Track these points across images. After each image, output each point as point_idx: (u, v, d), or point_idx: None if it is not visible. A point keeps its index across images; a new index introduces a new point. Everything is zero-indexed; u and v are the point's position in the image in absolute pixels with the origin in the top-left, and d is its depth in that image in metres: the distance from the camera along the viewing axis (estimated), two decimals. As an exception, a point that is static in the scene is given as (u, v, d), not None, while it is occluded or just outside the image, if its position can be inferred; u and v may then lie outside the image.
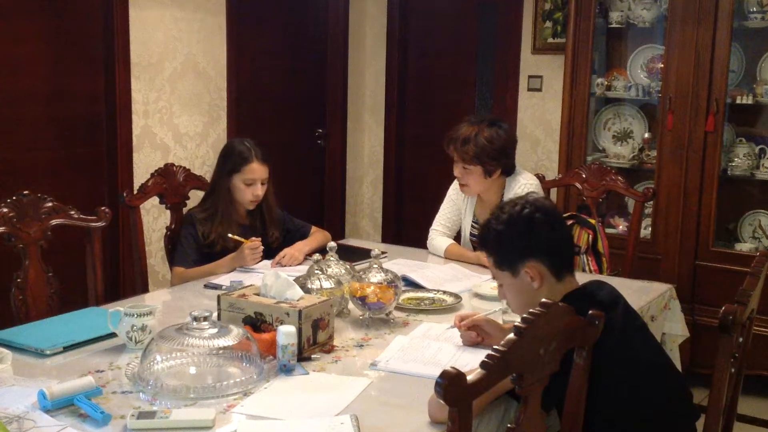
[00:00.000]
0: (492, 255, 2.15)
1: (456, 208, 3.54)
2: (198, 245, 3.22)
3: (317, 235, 3.46)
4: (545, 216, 2.09)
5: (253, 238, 3.17)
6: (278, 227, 3.40)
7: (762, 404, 3.95)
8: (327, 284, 2.53)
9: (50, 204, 2.84)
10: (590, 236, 3.38)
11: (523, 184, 3.35)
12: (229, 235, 3.19)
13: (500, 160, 3.30)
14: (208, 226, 3.23)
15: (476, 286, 2.95)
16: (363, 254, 3.18)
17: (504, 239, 2.10)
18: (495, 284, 2.93)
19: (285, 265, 3.17)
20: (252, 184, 3.25)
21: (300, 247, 3.29)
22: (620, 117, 4.58)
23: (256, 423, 1.87)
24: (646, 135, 4.47)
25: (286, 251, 3.24)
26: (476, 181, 3.33)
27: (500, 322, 2.45)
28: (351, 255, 3.11)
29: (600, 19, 4.41)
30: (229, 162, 3.27)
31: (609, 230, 4.31)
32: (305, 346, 2.24)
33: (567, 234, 2.22)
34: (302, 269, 2.89)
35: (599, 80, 4.44)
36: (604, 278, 2.92)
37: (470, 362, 2.18)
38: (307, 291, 2.43)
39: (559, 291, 2.06)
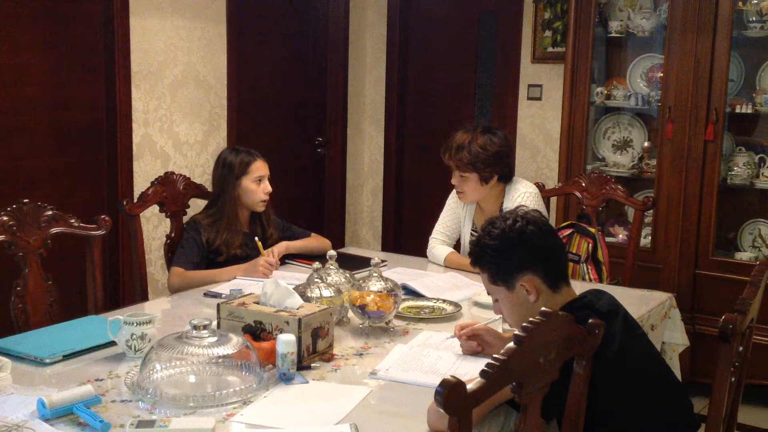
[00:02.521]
0: (486, 271, 2.14)
1: (455, 217, 3.54)
2: (200, 250, 3.23)
3: (309, 239, 3.49)
4: (537, 228, 2.09)
5: (270, 250, 3.21)
6: (276, 229, 3.43)
7: (762, 413, 3.94)
8: (327, 293, 2.53)
9: (50, 212, 2.84)
10: (590, 245, 3.38)
11: (522, 193, 3.36)
12: (256, 238, 3.23)
13: (495, 166, 3.31)
14: (213, 233, 3.24)
15: (476, 295, 2.95)
16: (363, 263, 3.18)
17: (498, 254, 2.10)
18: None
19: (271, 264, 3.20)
20: (261, 180, 3.32)
21: (283, 246, 3.33)
22: (620, 126, 4.59)
23: (256, 432, 1.87)
24: (646, 144, 4.47)
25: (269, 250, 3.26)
26: (473, 188, 3.34)
27: (500, 330, 2.44)
28: (351, 263, 3.11)
29: (599, 28, 4.42)
30: (234, 169, 3.30)
31: (609, 239, 4.31)
32: (305, 354, 2.24)
33: (560, 244, 2.22)
34: (302, 278, 2.89)
35: (599, 89, 4.45)
36: (604, 287, 2.91)
37: (470, 371, 2.17)
38: (306, 299, 2.43)
39: (556, 302, 2.05)
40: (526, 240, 2.07)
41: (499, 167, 3.32)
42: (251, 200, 3.32)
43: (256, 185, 3.31)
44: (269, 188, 3.35)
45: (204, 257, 3.24)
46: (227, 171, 3.32)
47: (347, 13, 5.55)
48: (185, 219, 3.43)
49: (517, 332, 1.61)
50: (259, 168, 3.33)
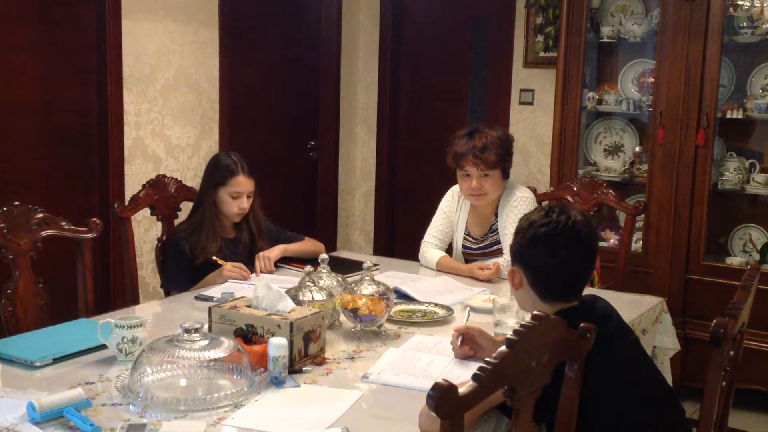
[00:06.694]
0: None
1: (448, 221, 3.54)
2: (184, 265, 3.19)
3: (304, 242, 3.46)
4: (557, 244, 2.01)
5: (264, 255, 3.22)
6: (267, 239, 3.38)
7: (753, 418, 3.95)
8: (319, 296, 2.52)
9: (41, 215, 2.83)
10: (582, 249, 3.38)
11: (519, 197, 3.37)
12: (214, 257, 3.17)
13: (512, 158, 3.43)
14: (194, 240, 3.22)
15: (468, 299, 2.95)
16: (355, 266, 3.18)
17: (515, 233, 2.11)
18: (486, 297, 2.95)
19: (262, 270, 3.19)
20: (238, 197, 3.22)
21: (279, 249, 3.31)
22: (611, 131, 4.60)
23: (247, 435, 1.87)
24: (637, 149, 4.49)
25: (260, 254, 3.25)
26: (495, 185, 3.37)
27: (492, 334, 2.44)
28: (343, 267, 3.11)
29: (591, 33, 4.43)
30: (216, 175, 3.24)
31: (600, 243, 4.31)
32: (296, 358, 2.23)
33: (571, 272, 2.05)
34: (294, 281, 2.89)
35: (590, 94, 4.46)
36: (596, 292, 2.92)
37: (462, 375, 2.18)
38: (298, 303, 2.42)
39: (544, 309, 2.03)
40: (534, 244, 2.03)
41: (512, 158, 3.43)
42: (226, 211, 3.25)
43: (231, 199, 3.22)
44: (245, 206, 3.23)
45: (188, 268, 3.21)
46: (209, 176, 3.28)
47: (340, 17, 5.55)
48: (177, 222, 3.41)
49: (509, 336, 1.61)
50: (240, 183, 3.21)
